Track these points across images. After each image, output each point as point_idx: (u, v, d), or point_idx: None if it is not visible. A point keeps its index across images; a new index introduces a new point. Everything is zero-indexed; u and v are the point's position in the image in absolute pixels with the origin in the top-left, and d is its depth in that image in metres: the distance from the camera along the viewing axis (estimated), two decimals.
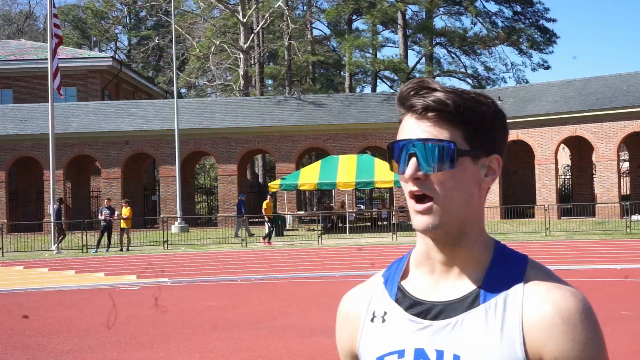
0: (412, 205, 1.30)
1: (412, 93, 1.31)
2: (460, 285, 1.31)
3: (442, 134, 1.28)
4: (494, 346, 1.24)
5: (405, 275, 1.40)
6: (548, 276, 1.30)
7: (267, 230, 25.48)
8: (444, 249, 1.32)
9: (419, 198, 1.29)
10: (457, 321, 1.28)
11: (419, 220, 1.29)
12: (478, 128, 1.30)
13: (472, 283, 1.31)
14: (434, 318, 1.30)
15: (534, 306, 1.26)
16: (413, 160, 1.28)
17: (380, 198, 49.16)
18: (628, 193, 35.41)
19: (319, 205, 47.38)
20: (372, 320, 1.38)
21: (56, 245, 24.39)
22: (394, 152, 1.32)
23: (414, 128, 1.30)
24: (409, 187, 1.30)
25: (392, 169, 1.34)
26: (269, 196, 27.41)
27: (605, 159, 30.36)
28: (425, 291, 1.34)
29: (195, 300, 12.13)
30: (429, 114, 1.29)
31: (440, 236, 1.30)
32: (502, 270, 1.31)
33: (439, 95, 1.29)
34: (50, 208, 26.64)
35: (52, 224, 26.01)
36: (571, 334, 1.23)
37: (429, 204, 1.28)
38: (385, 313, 1.36)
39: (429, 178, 1.28)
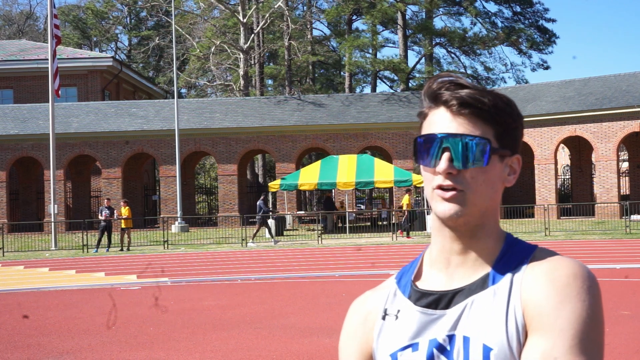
0: (438, 193, 1.31)
1: (444, 88, 1.33)
2: (472, 273, 1.34)
3: (475, 131, 1.30)
4: (500, 325, 1.26)
5: (419, 275, 1.41)
6: (555, 255, 1.31)
7: (403, 225, 26.39)
8: (461, 239, 1.34)
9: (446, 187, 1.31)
10: (466, 304, 1.30)
11: (445, 207, 1.30)
12: (507, 128, 1.34)
13: (484, 269, 1.33)
14: (446, 307, 1.32)
15: (530, 276, 1.28)
16: (447, 154, 1.29)
17: (380, 198, 49.20)
18: (627, 193, 35.43)
19: (319, 205, 47.40)
20: (383, 318, 1.39)
21: (252, 238, 25.40)
22: (423, 145, 1.33)
23: (447, 122, 1.32)
24: (437, 180, 1.31)
25: (416, 161, 1.35)
26: (407, 192, 27.83)
27: (605, 158, 30.38)
28: (440, 286, 1.36)
29: (195, 300, 12.15)
30: (464, 110, 1.31)
31: (461, 225, 1.32)
32: (512, 256, 1.33)
33: (474, 92, 1.31)
34: (51, 208, 26.68)
35: (52, 223, 26.04)
36: (554, 291, 1.24)
37: (457, 192, 1.30)
38: (398, 311, 1.38)
39: (461, 172, 1.30)
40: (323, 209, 31.06)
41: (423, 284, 1.38)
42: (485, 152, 1.29)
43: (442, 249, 1.36)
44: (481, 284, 1.31)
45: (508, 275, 1.30)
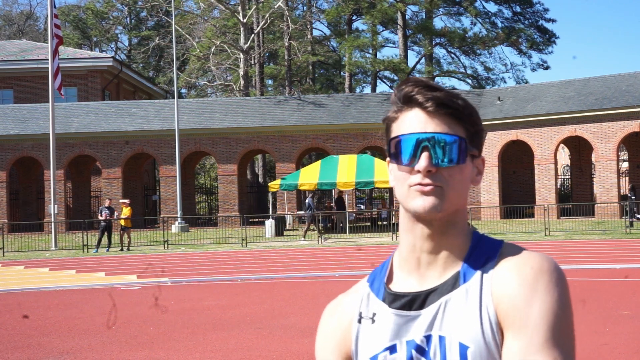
0: (416, 188, 1.31)
1: (416, 90, 1.35)
2: (443, 272, 1.35)
3: (451, 131, 1.33)
4: (475, 323, 1.28)
5: (390, 278, 1.42)
6: (522, 250, 1.34)
7: None
8: (433, 237, 1.35)
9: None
10: (440, 304, 1.32)
11: (425, 201, 1.30)
12: (476, 130, 1.37)
13: (454, 268, 1.35)
14: (420, 307, 1.33)
15: (500, 272, 1.31)
16: (426, 153, 1.31)
17: (380, 198, 49.20)
18: (627, 193, 35.42)
19: (319, 205, 47.41)
20: (359, 321, 1.40)
21: (305, 235, 26.30)
22: (399, 145, 1.34)
23: (424, 123, 1.33)
24: (416, 179, 1.32)
25: (392, 161, 1.36)
26: None
27: (605, 159, 30.38)
28: (413, 287, 1.37)
29: (195, 300, 12.16)
30: (440, 111, 1.33)
31: (437, 221, 1.33)
32: (480, 253, 1.35)
33: (447, 94, 1.34)
34: (51, 208, 26.69)
35: (52, 223, 26.04)
36: (523, 287, 1.27)
37: (436, 187, 1.31)
38: (374, 314, 1.38)
39: (439, 170, 1.32)
40: (336, 209, 31.30)
41: (395, 286, 1.39)
42: (462, 151, 1.33)
43: (412, 249, 1.37)
44: (453, 283, 1.33)
45: (478, 273, 1.32)
